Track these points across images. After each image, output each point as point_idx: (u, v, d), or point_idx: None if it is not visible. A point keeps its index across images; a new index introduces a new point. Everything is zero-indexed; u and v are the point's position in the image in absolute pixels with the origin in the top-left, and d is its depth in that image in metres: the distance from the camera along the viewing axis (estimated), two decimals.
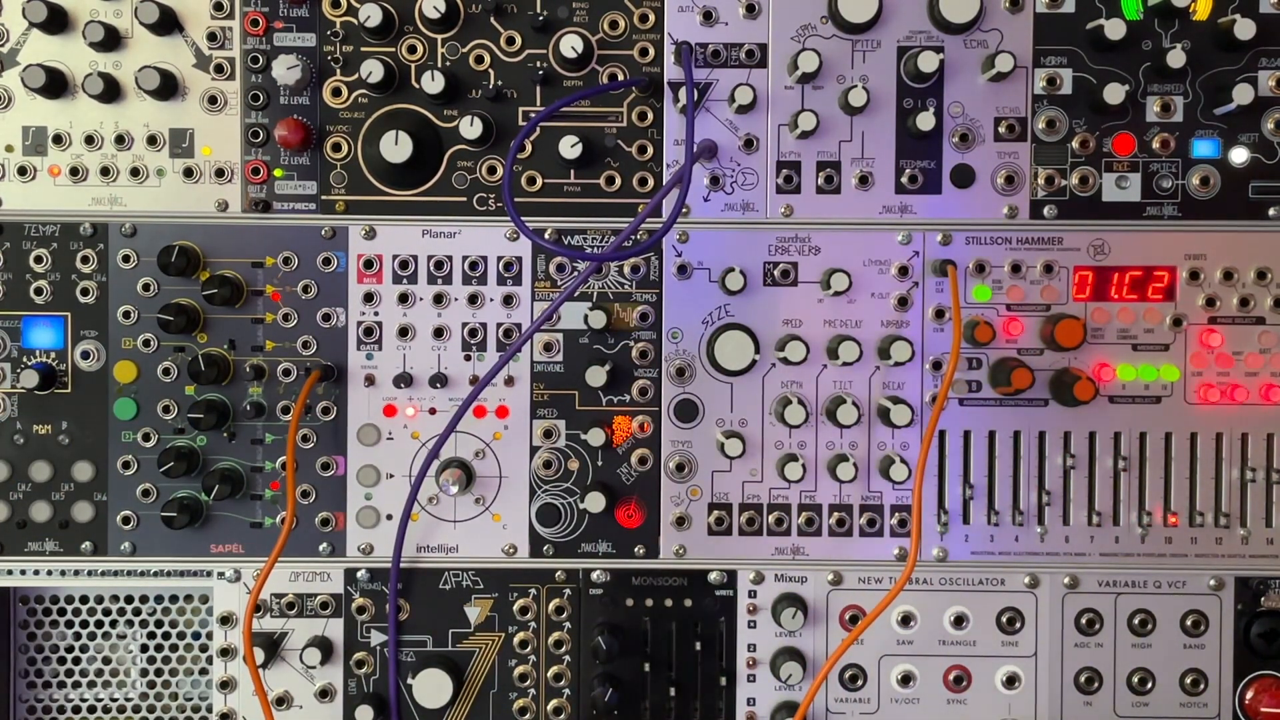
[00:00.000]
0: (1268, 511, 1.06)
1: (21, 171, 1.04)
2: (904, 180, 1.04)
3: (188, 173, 1.04)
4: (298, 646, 1.06)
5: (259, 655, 1.04)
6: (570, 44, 1.01)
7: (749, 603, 1.07)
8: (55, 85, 1.03)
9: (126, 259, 1.05)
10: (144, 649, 1.12)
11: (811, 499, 1.06)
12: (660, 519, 1.06)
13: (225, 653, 1.07)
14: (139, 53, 1.04)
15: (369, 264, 1.05)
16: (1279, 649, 1.06)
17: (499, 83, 1.04)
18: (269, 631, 1.07)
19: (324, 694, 1.07)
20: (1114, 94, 1.01)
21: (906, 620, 1.07)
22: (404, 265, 1.05)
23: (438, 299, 1.05)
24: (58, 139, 1.04)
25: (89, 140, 1.04)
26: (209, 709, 1.10)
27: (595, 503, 1.03)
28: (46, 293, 1.05)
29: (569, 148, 1.02)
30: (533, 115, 1.04)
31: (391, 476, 1.06)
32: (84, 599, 1.12)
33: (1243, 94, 1.01)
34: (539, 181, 1.05)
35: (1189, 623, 1.06)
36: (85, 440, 1.05)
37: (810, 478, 1.06)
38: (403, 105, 1.05)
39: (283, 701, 1.07)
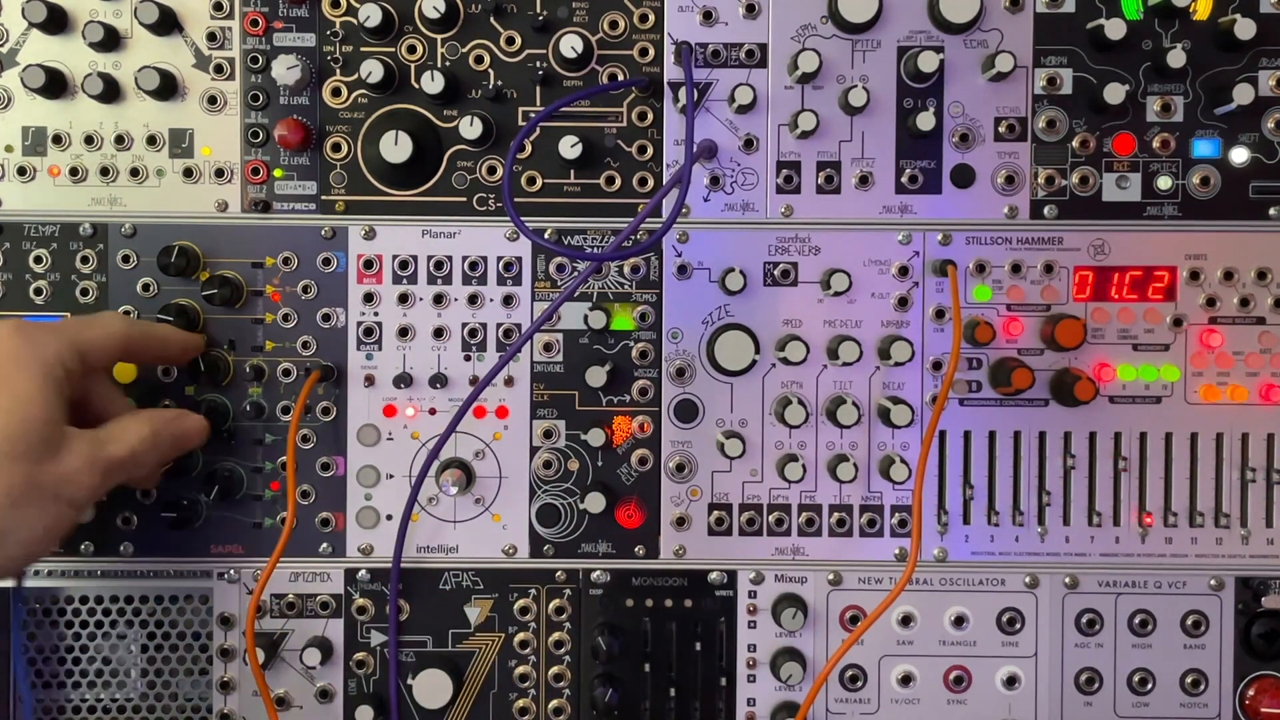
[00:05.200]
0: (1268, 511, 1.06)
1: (21, 171, 1.04)
2: (904, 180, 1.04)
3: (187, 173, 1.04)
4: (298, 647, 1.06)
5: (259, 655, 1.04)
6: (570, 44, 1.01)
7: (749, 603, 1.07)
8: (55, 85, 1.03)
9: (126, 259, 1.05)
10: (144, 649, 1.12)
11: (811, 499, 1.06)
12: (660, 519, 1.06)
13: (225, 653, 1.06)
14: (139, 53, 1.04)
15: (369, 264, 1.05)
16: (1279, 649, 1.06)
17: (499, 83, 1.04)
18: (269, 632, 1.07)
19: (324, 694, 1.06)
20: (1114, 94, 1.01)
21: (906, 620, 1.07)
22: (404, 265, 1.05)
23: (438, 299, 1.05)
24: (57, 139, 1.04)
25: (89, 140, 1.04)
26: (209, 709, 1.10)
27: (595, 503, 1.03)
28: (46, 293, 1.05)
29: (569, 148, 1.02)
30: (533, 115, 1.04)
31: (391, 477, 1.06)
32: (84, 599, 1.11)
33: (1243, 94, 1.01)
34: (539, 181, 1.05)
35: (1189, 623, 1.06)
36: None
37: (810, 478, 1.06)
38: (403, 105, 1.05)
39: (283, 702, 1.07)
